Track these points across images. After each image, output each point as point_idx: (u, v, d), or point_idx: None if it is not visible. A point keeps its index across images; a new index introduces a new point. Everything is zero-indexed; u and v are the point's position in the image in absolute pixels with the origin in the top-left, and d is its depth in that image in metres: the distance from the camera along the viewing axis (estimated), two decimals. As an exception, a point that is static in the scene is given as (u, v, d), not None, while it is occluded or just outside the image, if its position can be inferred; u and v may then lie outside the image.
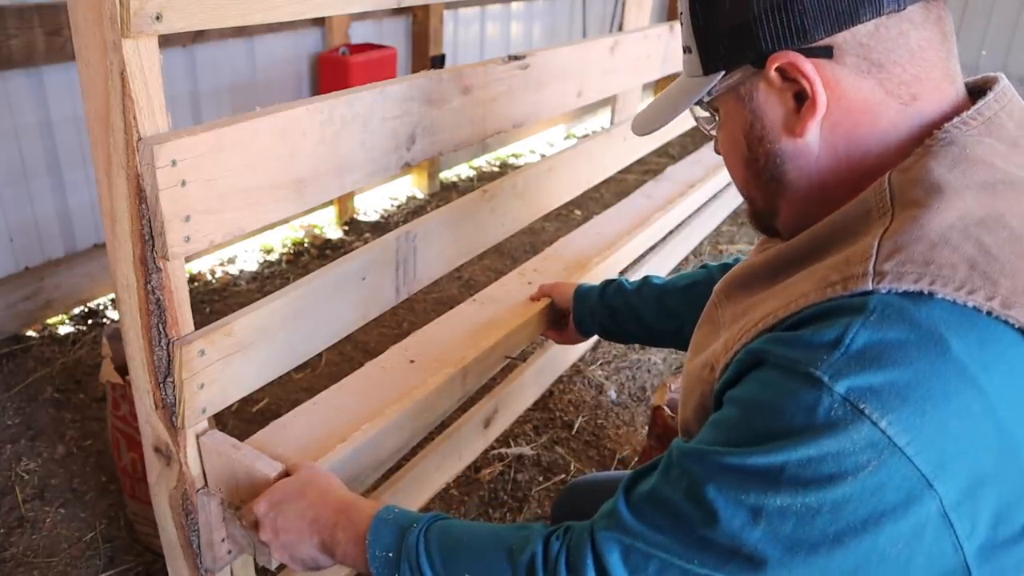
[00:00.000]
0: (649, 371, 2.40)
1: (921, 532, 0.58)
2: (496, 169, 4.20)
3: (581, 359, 2.39)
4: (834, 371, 0.57)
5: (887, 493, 0.56)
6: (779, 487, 0.59)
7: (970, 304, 0.57)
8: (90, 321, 2.50)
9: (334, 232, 3.28)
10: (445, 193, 3.77)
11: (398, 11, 3.41)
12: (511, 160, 4.35)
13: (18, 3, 2.12)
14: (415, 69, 3.55)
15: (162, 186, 0.81)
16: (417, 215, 3.07)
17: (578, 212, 3.59)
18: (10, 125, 2.24)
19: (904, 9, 0.64)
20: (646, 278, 1.28)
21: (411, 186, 3.75)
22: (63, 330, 2.44)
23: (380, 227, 3.35)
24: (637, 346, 2.45)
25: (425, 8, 3.37)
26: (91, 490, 1.81)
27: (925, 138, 0.65)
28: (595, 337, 1.45)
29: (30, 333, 2.40)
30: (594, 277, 1.65)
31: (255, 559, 1.08)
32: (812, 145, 0.69)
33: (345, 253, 1.85)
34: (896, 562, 0.59)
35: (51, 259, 2.45)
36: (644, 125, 0.85)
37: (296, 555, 0.87)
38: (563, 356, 2.15)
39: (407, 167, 1.21)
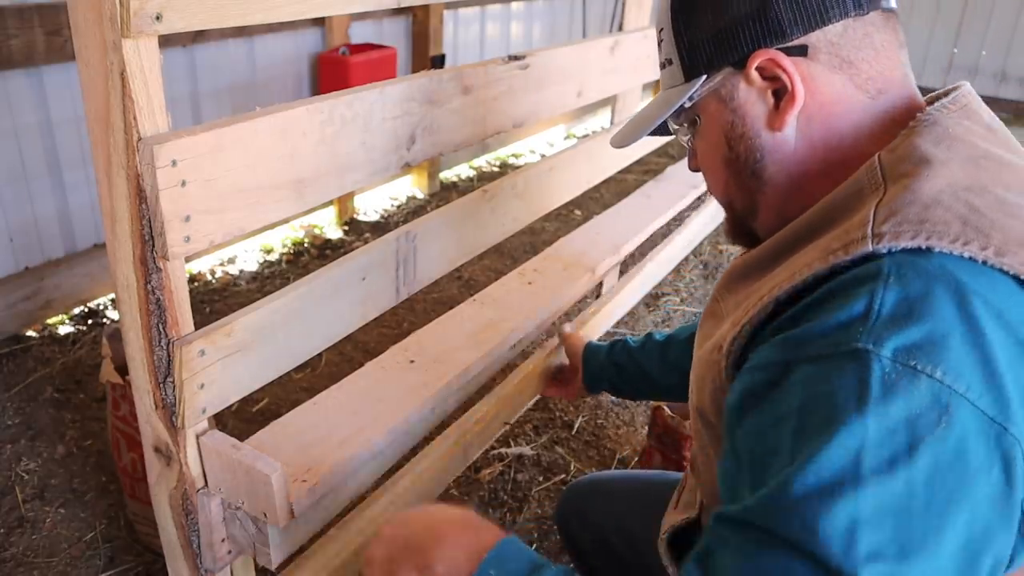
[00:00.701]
0: (649, 371, 2.40)
1: (1013, 482, 0.56)
2: (496, 169, 4.20)
3: (581, 359, 2.39)
4: (875, 337, 0.56)
5: (969, 449, 0.54)
6: (863, 482, 0.53)
7: (966, 255, 0.59)
8: (90, 321, 2.50)
9: (334, 232, 3.28)
10: (445, 193, 3.77)
11: (398, 11, 3.41)
12: (511, 160, 4.35)
13: (18, 3, 2.12)
14: (415, 69, 3.55)
15: (162, 186, 0.81)
16: (417, 215, 3.08)
17: (578, 212, 3.58)
18: (10, 125, 2.24)
19: (868, 14, 0.70)
20: (649, 334, 1.31)
21: (411, 186, 3.76)
22: (63, 330, 2.44)
23: (380, 227, 3.35)
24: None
25: (425, 8, 3.37)
26: (91, 490, 1.81)
27: (894, 128, 0.70)
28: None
29: (30, 333, 2.40)
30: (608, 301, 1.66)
31: (255, 559, 1.08)
32: (790, 138, 0.73)
33: (345, 253, 1.85)
34: (1001, 526, 0.56)
35: (51, 259, 2.45)
36: (623, 138, 0.88)
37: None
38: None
39: (407, 167, 1.21)
